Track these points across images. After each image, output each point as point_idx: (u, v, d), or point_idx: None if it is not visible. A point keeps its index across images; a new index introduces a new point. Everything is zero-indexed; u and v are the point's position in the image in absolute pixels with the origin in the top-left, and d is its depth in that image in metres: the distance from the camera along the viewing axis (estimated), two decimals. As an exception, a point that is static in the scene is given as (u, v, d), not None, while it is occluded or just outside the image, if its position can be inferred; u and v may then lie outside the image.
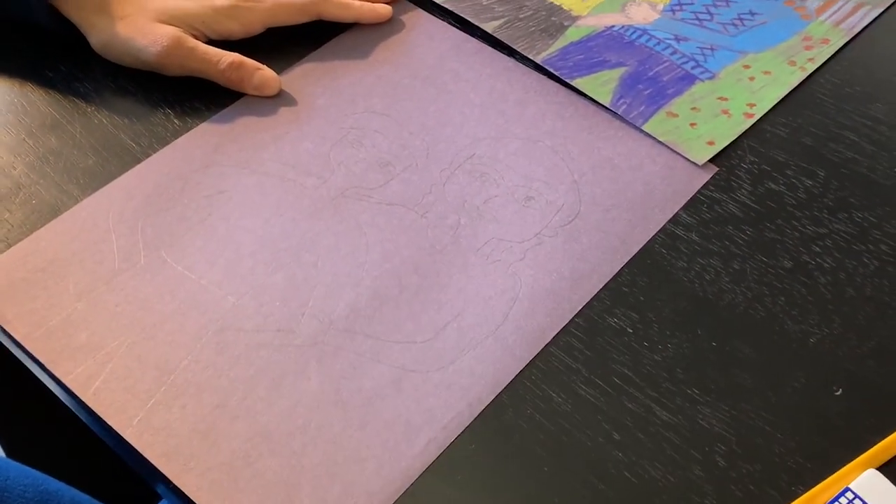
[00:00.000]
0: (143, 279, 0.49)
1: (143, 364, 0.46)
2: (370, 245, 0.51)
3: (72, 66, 0.61)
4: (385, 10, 0.64)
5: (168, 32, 0.57)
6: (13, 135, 0.57)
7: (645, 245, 0.52)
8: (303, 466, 0.43)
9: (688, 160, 0.56)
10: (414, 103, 0.59)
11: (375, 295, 0.49)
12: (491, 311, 0.49)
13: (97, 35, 0.58)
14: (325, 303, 0.49)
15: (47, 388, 0.48)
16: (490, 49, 0.62)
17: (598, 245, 0.52)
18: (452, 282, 0.50)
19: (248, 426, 0.44)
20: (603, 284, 0.50)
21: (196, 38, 0.59)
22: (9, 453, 0.81)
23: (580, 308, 0.49)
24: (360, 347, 0.47)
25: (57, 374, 0.46)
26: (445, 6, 0.65)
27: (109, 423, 0.44)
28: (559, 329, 0.48)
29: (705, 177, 0.55)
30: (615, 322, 0.49)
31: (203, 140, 0.56)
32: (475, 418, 0.45)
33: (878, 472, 0.43)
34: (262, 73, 0.58)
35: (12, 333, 0.47)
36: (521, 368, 0.47)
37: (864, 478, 0.43)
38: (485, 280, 0.50)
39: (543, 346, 0.48)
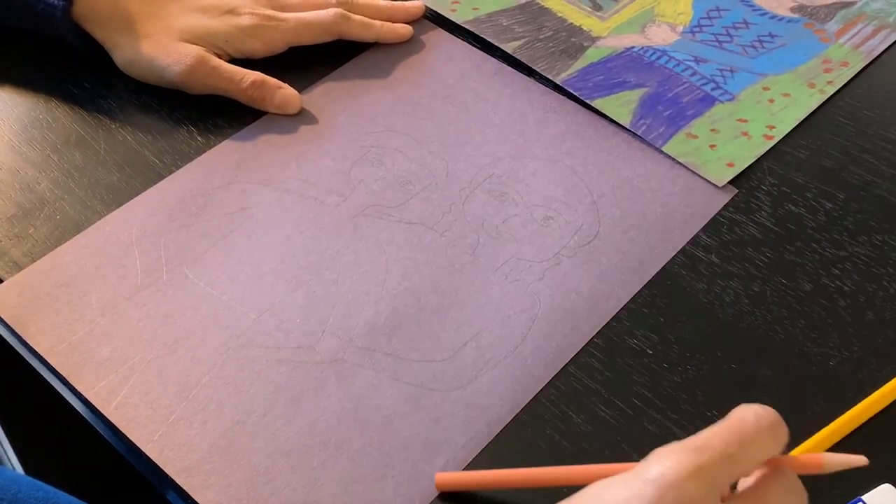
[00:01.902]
0: (166, 295, 0.50)
1: (165, 379, 0.47)
2: (389, 263, 0.52)
3: (96, 82, 0.61)
4: (405, 30, 0.64)
5: (191, 51, 0.58)
6: (38, 151, 0.57)
7: (665, 266, 0.52)
8: (322, 483, 0.43)
9: (707, 182, 0.56)
10: (434, 122, 0.59)
11: (394, 313, 0.50)
12: (510, 330, 0.49)
13: (121, 53, 0.59)
14: (345, 320, 0.49)
15: (67, 402, 0.49)
16: (510, 69, 0.63)
17: (617, 266, 0.52)
18: (471, 301, 0.50)
19: (268, 442, 0.45)
20: (622, 305, 0.50)
21: (219, 56, 0.59)
22: (26, 469, 0.81)
23: (599, 329, 0.49)
24: (380, 365, 0.48)
25: (79, 389, 0.46)
26: (466, 27, 0.66)
27: (131, 438, 0.45)
28: (578, 350, 0.48)
29: (724, 199, 0.55)
30: (635, 343, 0.49)
31: (225, 157, 0.57)
32: (494, 438, 0.45)
33: (892, 486, 0.43)
34: (283, 92, 0.59)
35: (35, 347, 0.47)
36: (539, 388, 0.47)
37: (878, 490, 0.42)
38: (504, 299, 0.50)
39: (562, 366, 0.48)
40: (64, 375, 0.47)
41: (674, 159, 0.57)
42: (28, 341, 0.48)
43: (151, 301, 0.50)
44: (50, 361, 0.47)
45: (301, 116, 0.59)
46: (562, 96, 0.61)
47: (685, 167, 0.57)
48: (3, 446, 0.81)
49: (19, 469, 0.77)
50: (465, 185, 0.56)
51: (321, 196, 0.55)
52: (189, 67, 0.57)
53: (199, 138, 0.58)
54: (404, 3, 0.66)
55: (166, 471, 0.43)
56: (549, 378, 0.47)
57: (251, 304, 0.50)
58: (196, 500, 0.43)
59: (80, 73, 0.62)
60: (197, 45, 0.59)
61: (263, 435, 0.45)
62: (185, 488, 0.43)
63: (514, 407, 0.46)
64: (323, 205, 0.55)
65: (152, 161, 0.57)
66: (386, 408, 0.46)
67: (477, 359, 0.48)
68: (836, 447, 0.45)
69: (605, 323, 0.50)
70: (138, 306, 0.49)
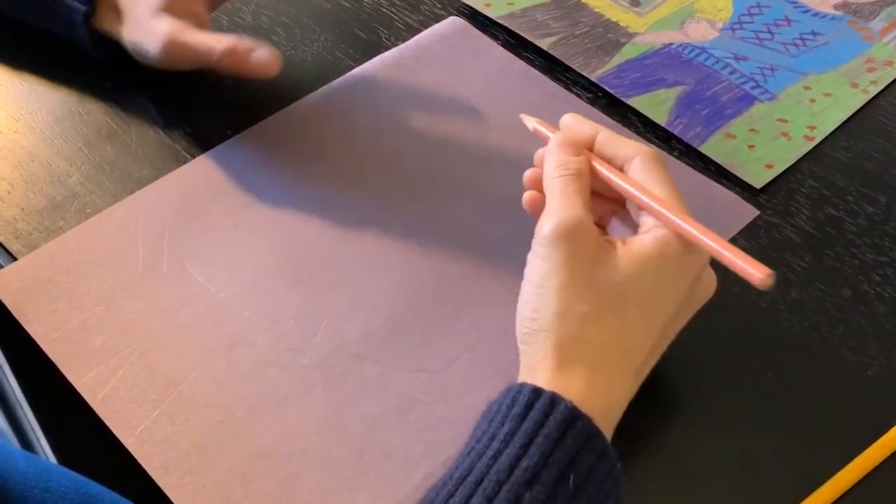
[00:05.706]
0: (164, 288, 0.50)
1: (153, 374, 0.46)
2: (391, 267, 0.51)
3: (129, 74, 0.60)
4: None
5: (161, 30, 0.53)
6: (70, 143, 0.57)
7: None
8: (296, 491, 0.43)
9: (719, 211, 0.54)
10: (453, 125, 0.58)
11: (389, 319, 0.49)
12: (506, 345, 0.48)
13: (125, 44, 0.56)
14: (339, 324, 0.48)
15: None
16: (536, 73, 0.61)
17: (625, 284, 0.50)
18: (470, 312, 0.49)
19: (248, 445, 0.44)
20: (625, 326, 0.48)
21: (200, 16, 0.56)
22: (59, 458, 0.81)
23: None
24: (369, 373, 0.47)
25: (69, 378, 0.46)
26: (500, 22, 0.64)
27: (113, 430, 0.45)
28: (573, 369, 0.47)
29: (733, 231, 0.53)
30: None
31: (239, 150, 0.56)
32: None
33: None
34: (257, 56, 0.53)
35: (31, 334, 0.48)
36: (529, 407, 0.46)
37: None
38: (504, 312, 0.49)
39: (555, 386, 0.46)
40: (56, 363, 0.47)
41: (691, 182, 0.55)
42: (25, 327, 0.48)
43: (149, 293, 0.50)
44: (44, 349, 0.47)
45: (318, 112, 0.59)
46: (587, 104, 0.59)
47: (701, 192, 0.54)
48: (36, 435, 0.82)
49: (52, 458, 0.78)
50: (481, 193, 0.54)
51: (331, 195, 0.54)
52: (164, 48, 0.54)
53: (229, 132, 0.58)
54: None
55: (144, 466, 0.43)
56: (541, 397, 0.46)
57: (247, 302, 0.49)
58: (170, 497, 0.43)
59: (113, 66, 0.61)
60: (173, 12, 0.54)
61: (244, 437, 0.44)
62: (160, 485, 0.43)
63: (500, 425, 0.45)
64: (332, 203, 0.54)
65: (183, 155, 0.57)
66: (370, 417, 0.45)
67: (468, 372, 0.47)
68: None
69: (605, 343, 0.48)
70: (135, 298, 0.49)
